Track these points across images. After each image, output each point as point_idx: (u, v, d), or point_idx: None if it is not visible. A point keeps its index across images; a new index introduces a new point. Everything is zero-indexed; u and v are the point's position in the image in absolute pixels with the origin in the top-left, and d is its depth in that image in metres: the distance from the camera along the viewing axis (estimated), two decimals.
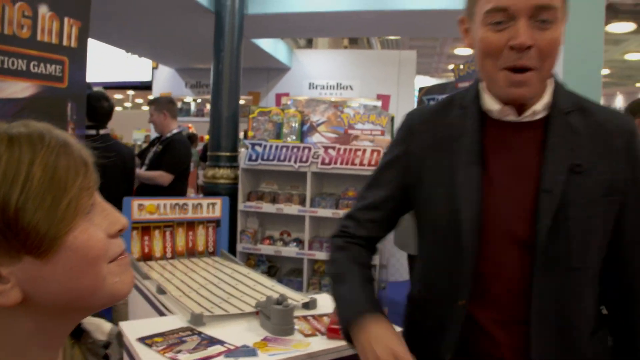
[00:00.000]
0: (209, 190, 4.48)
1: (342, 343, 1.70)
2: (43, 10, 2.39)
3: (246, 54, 5.22)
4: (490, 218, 1.05)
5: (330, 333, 1.70)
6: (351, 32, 7.38)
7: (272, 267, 4.65)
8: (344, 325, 1.09)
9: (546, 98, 1.08)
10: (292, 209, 4.35)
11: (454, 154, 1.08)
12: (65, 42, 2.48)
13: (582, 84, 4.16)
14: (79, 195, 0.60)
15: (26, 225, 0.56)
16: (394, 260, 5.53)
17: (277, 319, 1.68)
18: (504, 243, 1.04)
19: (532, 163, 1.05)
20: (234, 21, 4.73)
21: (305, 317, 1.86)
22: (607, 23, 8.33)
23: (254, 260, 4.61)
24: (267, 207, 4.40)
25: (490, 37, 1.00)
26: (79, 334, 0.73)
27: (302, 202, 4.36)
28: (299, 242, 4.41)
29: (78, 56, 2.54)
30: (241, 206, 4.43)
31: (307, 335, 1.72)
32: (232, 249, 4.36)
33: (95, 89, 9.22)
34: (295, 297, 2.01)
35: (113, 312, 3.36)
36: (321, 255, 4.30)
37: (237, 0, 4.77)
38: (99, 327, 0.76)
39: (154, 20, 5.75)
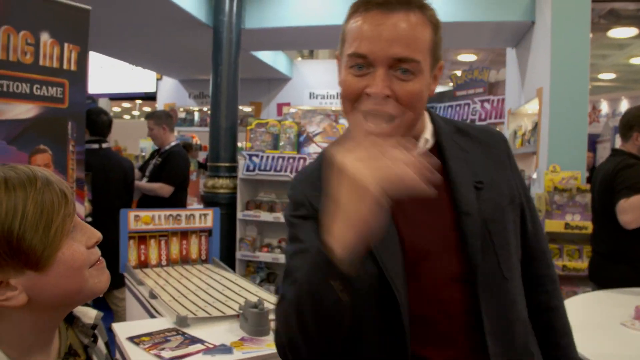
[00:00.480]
0: (209, 199, 4.66)
1: None
2: (45, 37, 2.58)
3: (247, 65, 5.40)
4: (418, 260, 0.99)
5: None
6: None
7: (271, 274, 4.81)
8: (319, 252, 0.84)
9: (429, 125, 1.09)
10: None
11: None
12: (65, 66, 2.67)
13: (569, 92, 4.29)
14: (63, 222, 0.81)
15: (26, 249, 0.77)
16: None
17: (253, 321, 1.85)
18: (439, 279, 1.00)
19: (439, 191, 0.99)
20: (231, 36, 4.91)
21: None
22: (609, 28, 8.43)
23: (253, 267, 4.77)
24: (265, 216, 4.57)
25: (350, 80, 0.99)
26: (72, 320, 0.95)
27: None
28: None
29: (77, 78, 2.73)
30: (240, 215, 4.60)
31: None
32: (231, 257, 4.54)
33: (101, 100, 9.45)
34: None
35: (114, 315, 3.55)
36: None
37: (234, 15, 4.95)
38: (87, 314, 0.98)
39: (155, 35, 5.97)
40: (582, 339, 1.81)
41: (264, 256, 4.60)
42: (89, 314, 0.97)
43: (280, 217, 4.53)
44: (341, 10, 4.95)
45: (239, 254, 4.61)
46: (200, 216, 2.88)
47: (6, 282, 0.78)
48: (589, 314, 2.25)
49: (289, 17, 5.64)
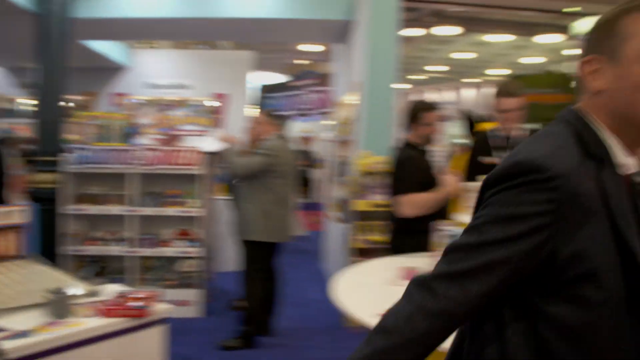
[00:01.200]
0: (35, 195, 4.54)
1: (115, 320, 2.06)
2: None
3: (79, 55, 5.25)
4: None
5: (107, 313, 2.06)
6: (179, 37, 7.54)
7: (104, 268, 4.79)
8: None
9: None
10: (119, 209, 4.57)
11: (616, 218, 0.94)
12: None
13: (379, 86, 4.82)
14: None
15: None
16: (222, 252, 5.91)
17: (53, 306, 2.01)
18: None
19: None
20: (58, 25, 4.72)
21: (89, 304, 2.19)
22: (433, 26, 9.40)
23: (83, 261, 4.72)
24: (93, 209, 4.57)
25: None
26: None
27: (127, 202, 4.58)
28: (126, 240, 4.64)
29: None
30: (67, 209, 4.55)
31: (85, 317, 2.06)
32: (56, 252, 4.48)
33: None
34: (84, 288, 2.33)
35: None
36: (147, 252, 4.60)
37: (62, 4, 4.76)
38: None
39: None
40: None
41: (93, 249, 4.60)
42: None
43: (109, 209, 4.56)
44: (175, 3, 5.09)
45: (66, 249, 4.54)
46: (14, 213, 2.89)
47: None
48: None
49: (122, 9, 5.62)
